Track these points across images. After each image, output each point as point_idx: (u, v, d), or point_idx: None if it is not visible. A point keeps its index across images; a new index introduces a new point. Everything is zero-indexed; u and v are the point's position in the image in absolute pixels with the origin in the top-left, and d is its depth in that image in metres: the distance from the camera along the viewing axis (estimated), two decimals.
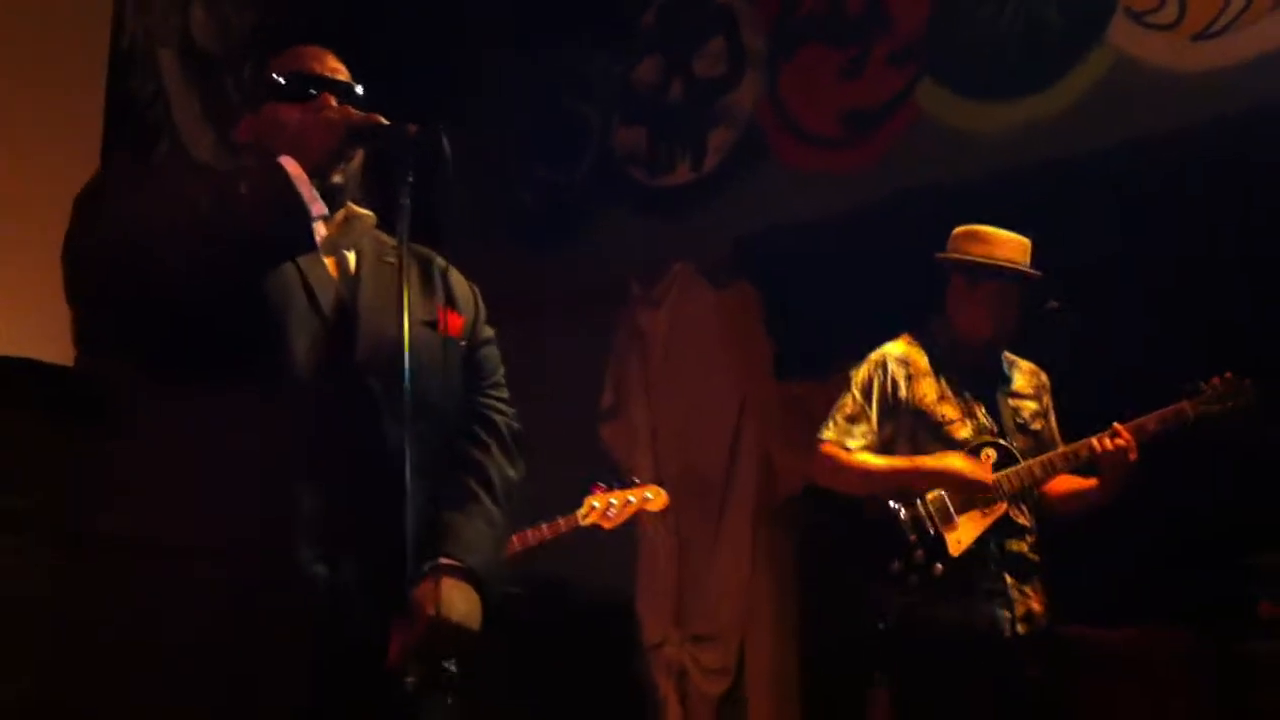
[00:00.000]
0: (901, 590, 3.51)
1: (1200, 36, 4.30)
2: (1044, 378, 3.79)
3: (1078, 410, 3.74)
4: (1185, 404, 3.52)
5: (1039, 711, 3.46)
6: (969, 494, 3.52)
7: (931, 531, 3.52)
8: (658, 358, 5.60)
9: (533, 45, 6.15)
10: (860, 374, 3.68)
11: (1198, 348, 3.93)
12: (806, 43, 5.35)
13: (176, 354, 1.92)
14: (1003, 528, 3.53)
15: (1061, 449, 3.60)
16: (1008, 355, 3.76)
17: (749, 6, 5.56)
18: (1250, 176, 4.03)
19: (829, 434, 3.64)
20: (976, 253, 3.64)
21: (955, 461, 3.53)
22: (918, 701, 3.52)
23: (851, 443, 3.62)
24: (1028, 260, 3.64)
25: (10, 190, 5.09)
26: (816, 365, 4.95)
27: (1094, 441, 3.51)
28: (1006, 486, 3.54)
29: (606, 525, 4.03)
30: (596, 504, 4.04)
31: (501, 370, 2.34)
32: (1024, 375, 3.76)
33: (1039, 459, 3.56)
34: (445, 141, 1.96)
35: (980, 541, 3.51)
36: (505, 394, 2.33)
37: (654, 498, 4.11)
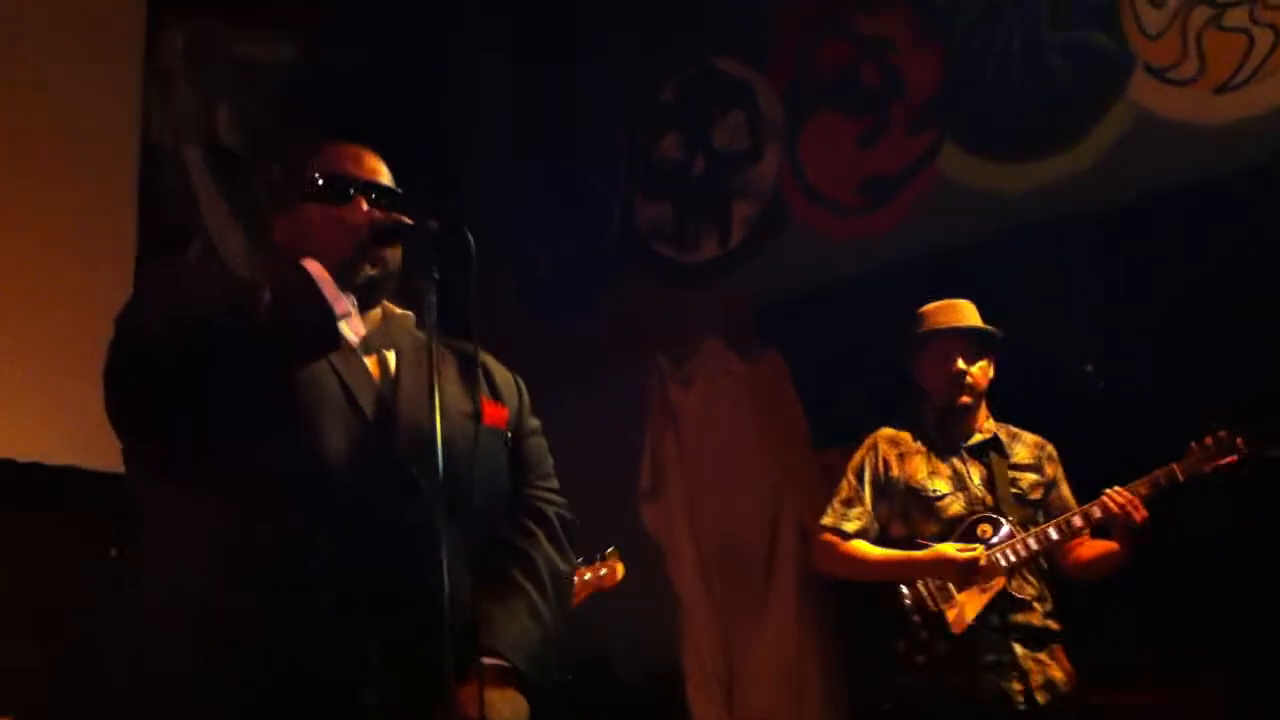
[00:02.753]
0: (907, 670, 3.58)
1: (1222, 89, 4.31)
2: (1050, 449, 3.81)
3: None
4: (1175, 466, 3.54)
5: None
6: (964, 577, 3.54)
7: (933, 609, 3.57)
8: (692, 434, 5.58)
9: (552, 120, 6.20)
10: (855, 459, 3.82)
11: (1220, 399, 3.90)
12: (822, 111, 5.38)
13: (211, 460, 1.94)
14: (1004, 601, 3.55)
15: (1053, 521, 3.61)
16: (1009, 429, 3.81)
17: (764, 79, 5.60)
18: (1277, 225, 4.02)
19: (826, 519, 3.76)
20: (917, 327, 3.80)
21: (947, 550, 3.57)
22: None
23: (848, 526, 3.72)
24: (961, 318, 3.77)
25: (48, 293, 5.16)
26: (851, 433, 4.94)
27: (1090, 509, 3.56)
28: (1002, 561, 3.56)
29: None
30: None
31: (550, 461, 2.32)
32: (1025, 447, 3.79)
33: (1033, 531, 3.60)
34: (469, 236, 1.96)
35: (982, 616, 3.53)
36: (554, 484, 2.31)
37: (608, 573, 4.03)
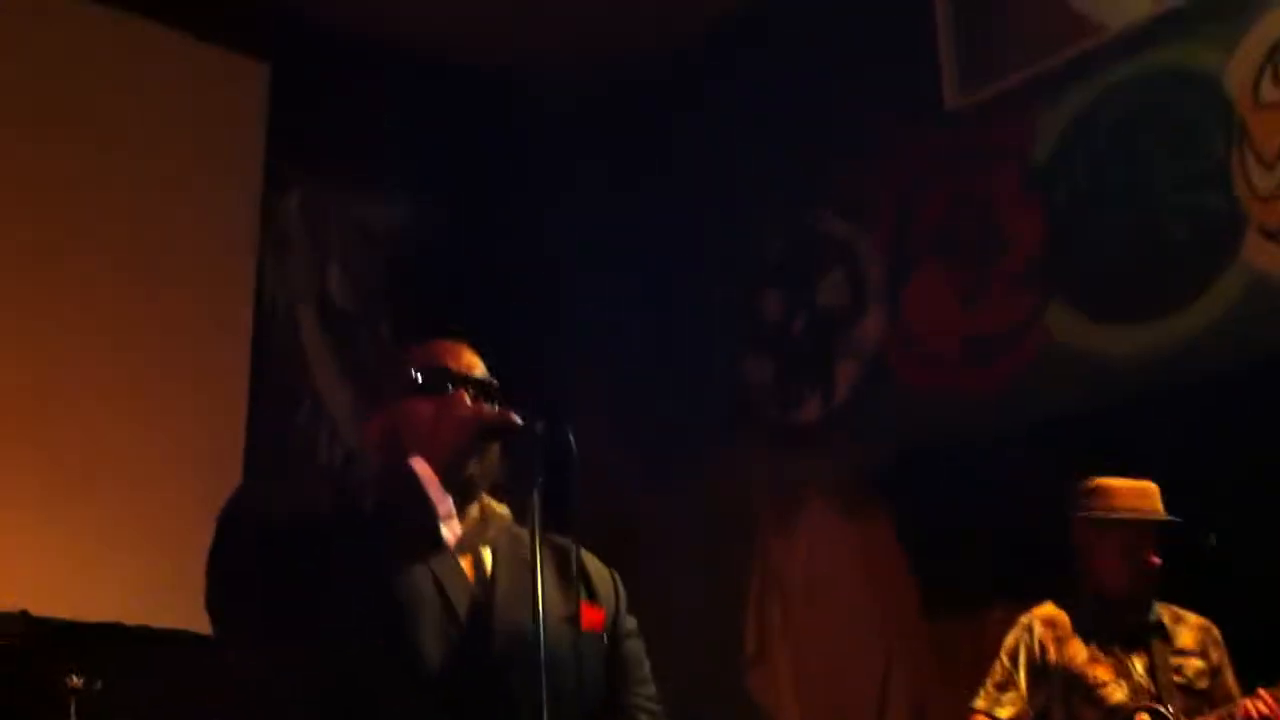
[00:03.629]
0: None
1: None
2: (1215, 632, 3.63)
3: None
4: None
5: None
6: None
7: None
8: (798, 599, 5.49)
9: (654, 283, 6.25)
10: (1009, 640, 3.66)
11: None
12: (924, 268, 5.34)
13: (311, 665, 1.93)
14: None
15: (1213, 714, 3.42)
16: (1173, 609, 3.63)
17: (866, 235, 5.59)
18: None
19: (980, 703, 3.62)
20: (1099, 507, 3.60)
21: None
22: None
23: (1001, 712, 3.58)
24: (1156, 504, 3.59)
25: (160, 453, 5.27)
26: (963, 603, 4.82)
27: (1248, 704, 3.35)
28: None
29: None
30: None
31: (646, 665, 2.28)
32: (1190, 630, 3.62)
33: None
34: (572, 439, 1.96)
35: None
36: (652, 690, 2.26)
37: None
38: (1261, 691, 3.34)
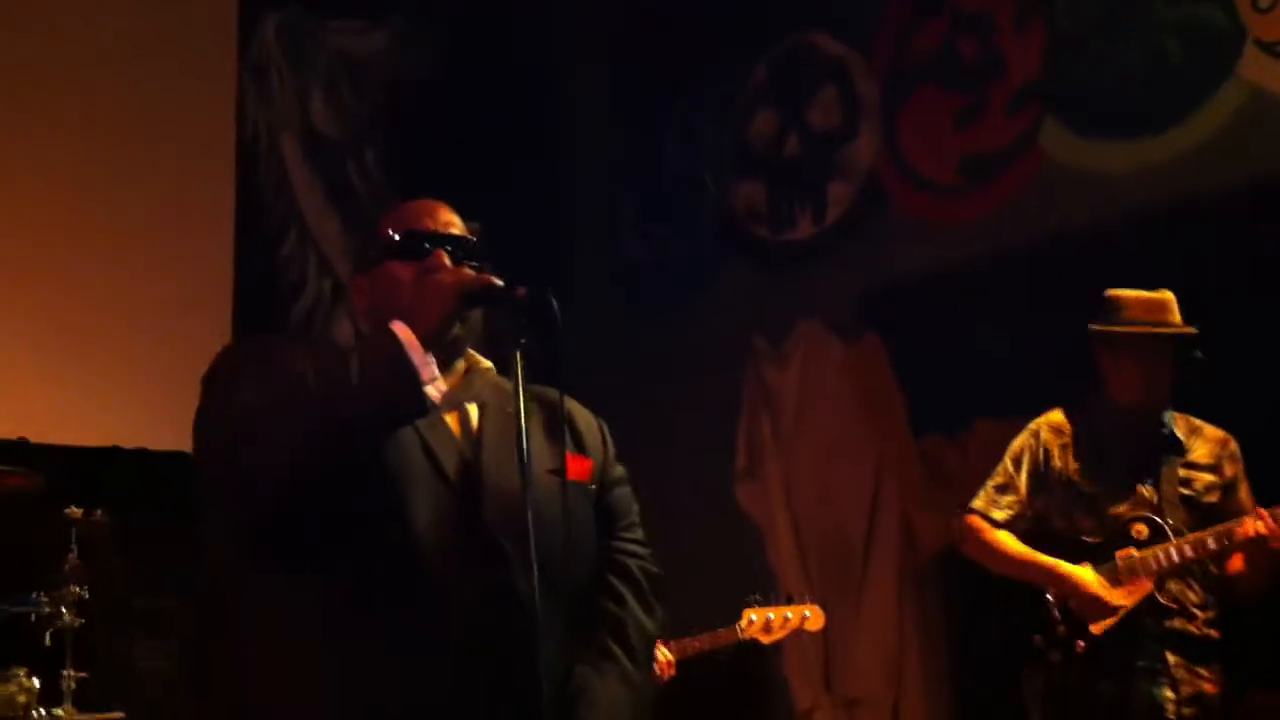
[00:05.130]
0: (1043, 665, 3.47)
1: None
2: (1232, 446, 3.54)
3: None
4: None
5: None
6: (1089, 609, 3.40)
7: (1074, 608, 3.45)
8: (789, 417, 5.55)
9: (643, 104, 6.17)
10: (1015, 444, 3.63)
11: None
12: (920, 88, 5.28)
13: (295, 530, 1.93)
14: (1152, 607, 3.38)
15: (1211, 530, 3.36)
16: (1190, 421, 3.57)
17: (860, 55, 5.51)
18: None
19: (977, 503, 3.61)
20: (1111, 320, 3.53)
21: (1086, 576, 3.42)
22: None
23: (997, 514, 3.58)
24: (1172, 315, 3.52)
25: (152, 284, 5.26)
26: (949, 420, 4.89)
27: (1248, 521, 3.29)
28: (1153, 566, 3.38)
29: (765, 639, 4.13)
30: (755, 617, 4.11)
31: (635, 509, 2.28)
32: (1205, 443, 3.54)
33: (1187, 539, 3.36)
34: (554, 304, 1.93)
35: (1129, 620, 3.38)
36: (639, 534, 2.26)
37: (812, 616, 4.16)
38: (1262, 511, 3.29)
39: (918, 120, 5.27)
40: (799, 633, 4.18)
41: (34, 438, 4.65)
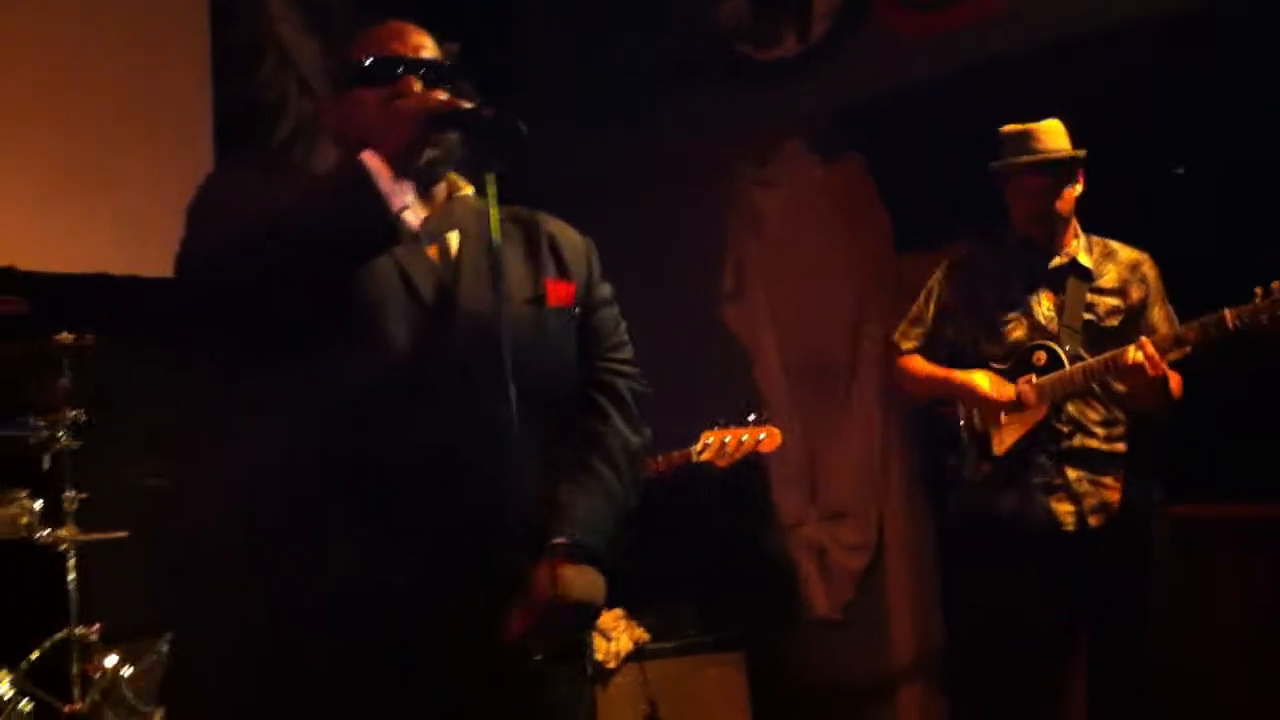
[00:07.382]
0: (956, 485, 3.70)
1: None
2: (1145, 269, 3.65)
3: None
4: (1227, 312, 3.26)
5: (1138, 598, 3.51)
6: (989, 411, 3.58)
7: (979, 430, 3.64)
8: (775, 238, 5.56)
9: None
10: (930, 280, 3.82)
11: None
12: None
13: (275, 355, 1.97)
14: (1049, 428, 3.53)
15: (1100, 357, 3.47)
16: (1106, 244, 3.67)
17: None
18: None
19: (895, 335, 3.87)
20: (999, 156, 3.64)
21: (979, 379, 3.62)
22: (970, 589, 3.73)
23: (905, 344, 3.82)
24: (1041, 144, 3.58)
25: (133, 111, 5.20)
26: (933, 236, 4.90)
27: (1130, 349, 3.39)
28: (1049, 392, 3.52)
29: (721, 464, 4.13)
30: (710, 440, 4.12)
31: (623, 328, 2.28)
32: (1116, 267, 3.64)
33: (1079, 366, 3.50)
34: (521, 126, 1.92)
35: (1027, 440, 3.55)
36: (628, 354, 2.27)
37: (767, 437, 4.15)
38: (1144, 340, 3.38)
39: None
40: (757, 453, 4.16)
41: (22, 266, 4.64)
